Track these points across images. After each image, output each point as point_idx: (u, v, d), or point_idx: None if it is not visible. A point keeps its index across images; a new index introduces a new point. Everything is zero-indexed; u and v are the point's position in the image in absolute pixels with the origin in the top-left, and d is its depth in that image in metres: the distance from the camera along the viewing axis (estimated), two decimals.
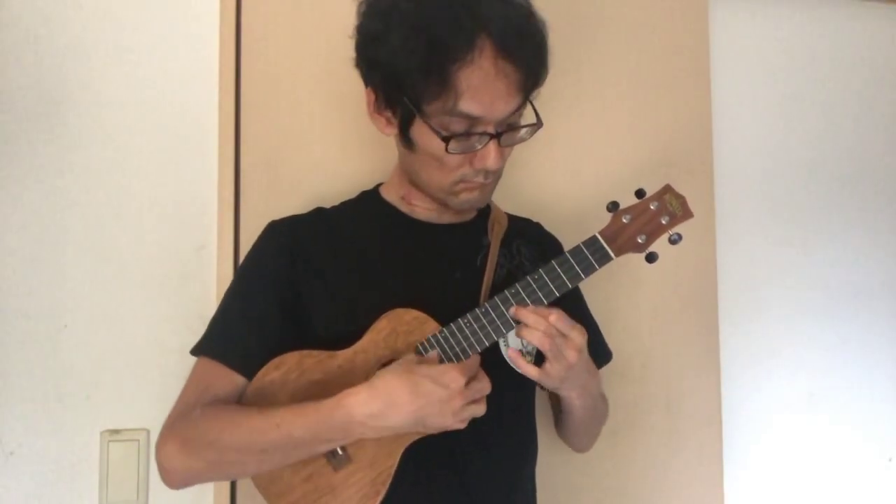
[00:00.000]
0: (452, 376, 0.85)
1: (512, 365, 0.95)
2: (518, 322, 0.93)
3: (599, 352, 1.14)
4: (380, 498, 0.89)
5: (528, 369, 0.94)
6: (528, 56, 0.91)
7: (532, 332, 0.91)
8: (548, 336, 0.91)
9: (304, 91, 1.27)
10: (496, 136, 0.92)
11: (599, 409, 1.12)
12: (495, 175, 0.99)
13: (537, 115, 0.97)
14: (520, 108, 0.94)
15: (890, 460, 1.60)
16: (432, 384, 0.84)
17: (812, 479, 1.55)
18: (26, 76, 1.19)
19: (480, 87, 0.88)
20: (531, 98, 0.96)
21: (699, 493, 1.41)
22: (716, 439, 1.42)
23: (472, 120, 0.90)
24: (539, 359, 1.04)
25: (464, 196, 0.99)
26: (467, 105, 0.89)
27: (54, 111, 1.19)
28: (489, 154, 0.93)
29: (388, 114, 0.98)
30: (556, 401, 1.17)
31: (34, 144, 1.19)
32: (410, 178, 1.04)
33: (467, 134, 0.91)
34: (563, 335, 0.92)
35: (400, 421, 0.84)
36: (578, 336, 0.92)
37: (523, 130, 0.96)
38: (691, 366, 1.41)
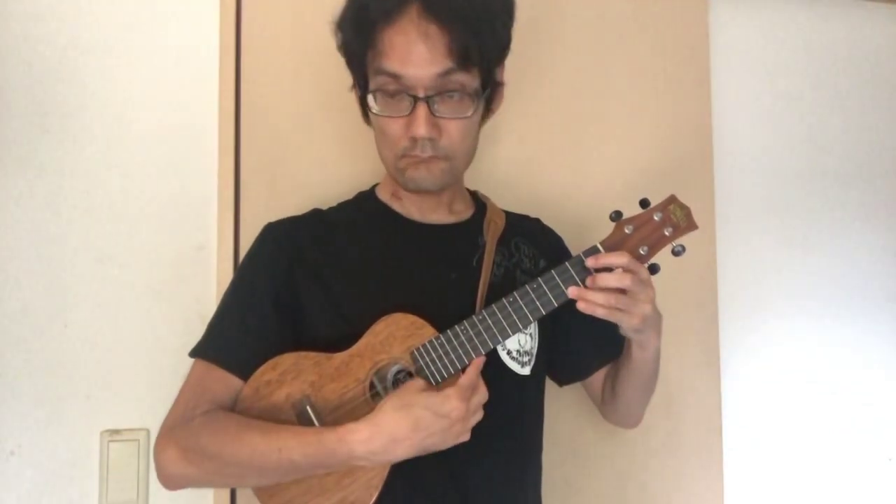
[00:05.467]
0: (453, 405, 0.85)
1: (584, 311, 0.93)
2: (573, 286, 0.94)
3: (616, 341, 1.13)
4: (372, 500, 0.89)
5: (600, 312, 0.92)
6: (457, 19, 0.90)
7: (606, 295, 0.91)
8: (623, 290, 0.91)
9: (304, 91, 1.27)
10: (424, 99, 0.92)
11: (658, 362, 1.08)
12: (434, 148, 0.96)
13: (485, 83, 0.96)
14: (454, 74, 0.92)
15: (890, 460, 1.60)
16: (434, 417, 0.84)
17: (812, 478, 1.55)
18: (26, 76, 1.19)
19: (401, 46, 0.91)
20: (489, 70, 0.96)
21: (699, 493, 1.41)
22: (716, 439, 1.42)
23: (397, 79, 0.92)
24: (537, 360, 1.04)
25: (409, 174, 0.98)
26: (389, 63, 0.92)
27: (54, 111, 1.19)
28: (417, 119, 0.93)
29: (360, 100, 1.02)
30: (608, 378, 1.15)
31: (34, 144, 1.19)
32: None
33: (393, 93, 0.93)
34: (636, 275, 0.92)
35: (402, 454, 0.85)
36: (646, 272, 0.94)
37: (457, 96, 0.94)
38: (691, 366, 1.41)
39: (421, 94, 0.92)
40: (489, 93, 1.00)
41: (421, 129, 0.93)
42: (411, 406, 0.84)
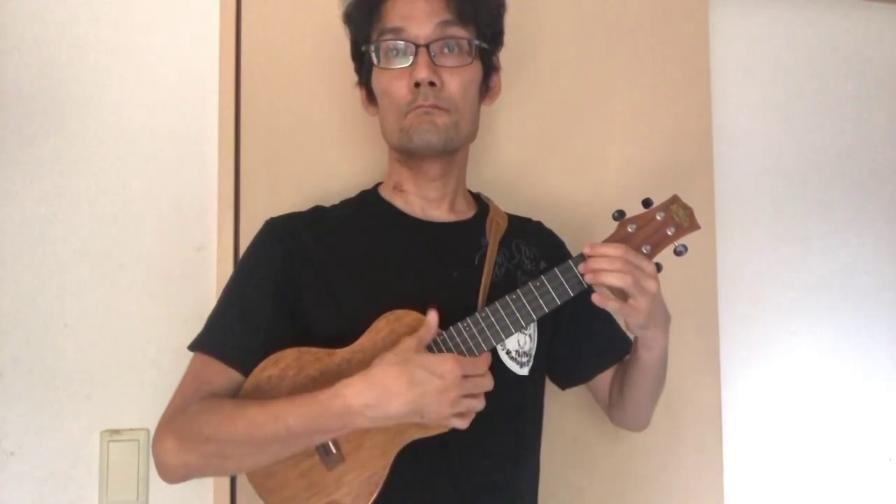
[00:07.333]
0: (448, 367, 0.86)
1: (598, 305, 0.93)
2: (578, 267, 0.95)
3: (623, 339, 1.13)
4: (372, 498, 0.89)
5: (612, 305, 0.93)
6: None
7: (609, 275, 0.92)
8: (627, 273, 0.91)
9: (304, 91, 1.27)
10: (424, 46, 0.98)
11: (665, 363, 1.08)
12: (436, 98, 0.98)
13: (480, 36, 1.02)
14: (452, 27, 0.99)
15: (890, 460, 1.60)
16: (428, 374, 0.85)
17: (812, 478, 1.55)
18: (26, 76, 1.19)
19: (402, 7, 1.00)
20: (484, 34, 1.02)
21: (699, 493, 1.41)
22: (716, 439, 1.42)
23: (399, 32, 0.99)
24: (537, 360, 1.04)
25: (414, 129, 0.99)
26: (391, 22, 1.00)
27: (54, 111, 1.19)
28: (418, 64, 0.98)
29: (363, 81, 1.08)
30: (615, 381, 1.15)
31: (34, 144, 1.19)
32: (388, 143, 1.06)
33: (397, 51, 1.00)
34: (639, 267, 0.92)
35: (396, 410, 0.84)
36: (650, 265, 0.94)
37: (455, 50, 1.00)
38: (691, 366, 1.41)
39: (422, 42, 0.98)
40: (487, 58, 1.05)
41: (423, 71, 0.97)
42: (407, 362, 0.85)
